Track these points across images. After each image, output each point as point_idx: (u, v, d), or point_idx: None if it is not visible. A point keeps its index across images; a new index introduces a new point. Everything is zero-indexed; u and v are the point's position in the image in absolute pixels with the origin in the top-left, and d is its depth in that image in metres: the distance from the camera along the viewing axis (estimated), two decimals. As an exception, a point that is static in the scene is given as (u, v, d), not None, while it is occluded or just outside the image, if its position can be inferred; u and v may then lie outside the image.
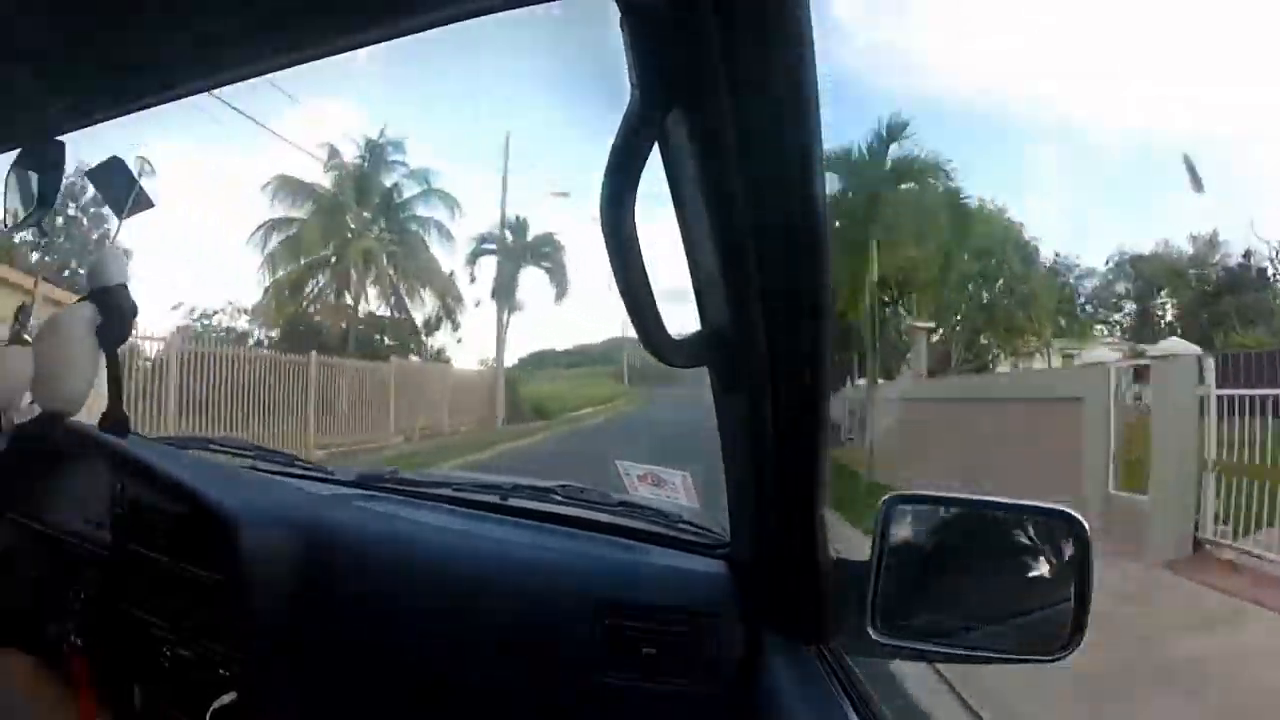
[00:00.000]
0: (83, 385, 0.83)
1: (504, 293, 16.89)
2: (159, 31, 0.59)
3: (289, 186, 14.76)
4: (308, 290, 15.42)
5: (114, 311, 0.83)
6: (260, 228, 14.64)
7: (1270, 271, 15.00)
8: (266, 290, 14.86)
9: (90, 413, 0.87)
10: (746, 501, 0.84)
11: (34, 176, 0.84)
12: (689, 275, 0.66)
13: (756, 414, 0.71)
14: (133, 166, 0.89)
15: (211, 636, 1.05)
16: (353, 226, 15.49)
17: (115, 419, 0.82)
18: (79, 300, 0.84)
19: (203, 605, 1.06)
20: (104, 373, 0.83)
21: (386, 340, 15.81)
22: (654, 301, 0.57)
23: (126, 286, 0.84)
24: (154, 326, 9.21)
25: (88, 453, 1.20)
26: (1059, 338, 14.73)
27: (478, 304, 16.76)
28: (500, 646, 0.95)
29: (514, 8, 0.52)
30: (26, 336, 0.86)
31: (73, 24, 0.58)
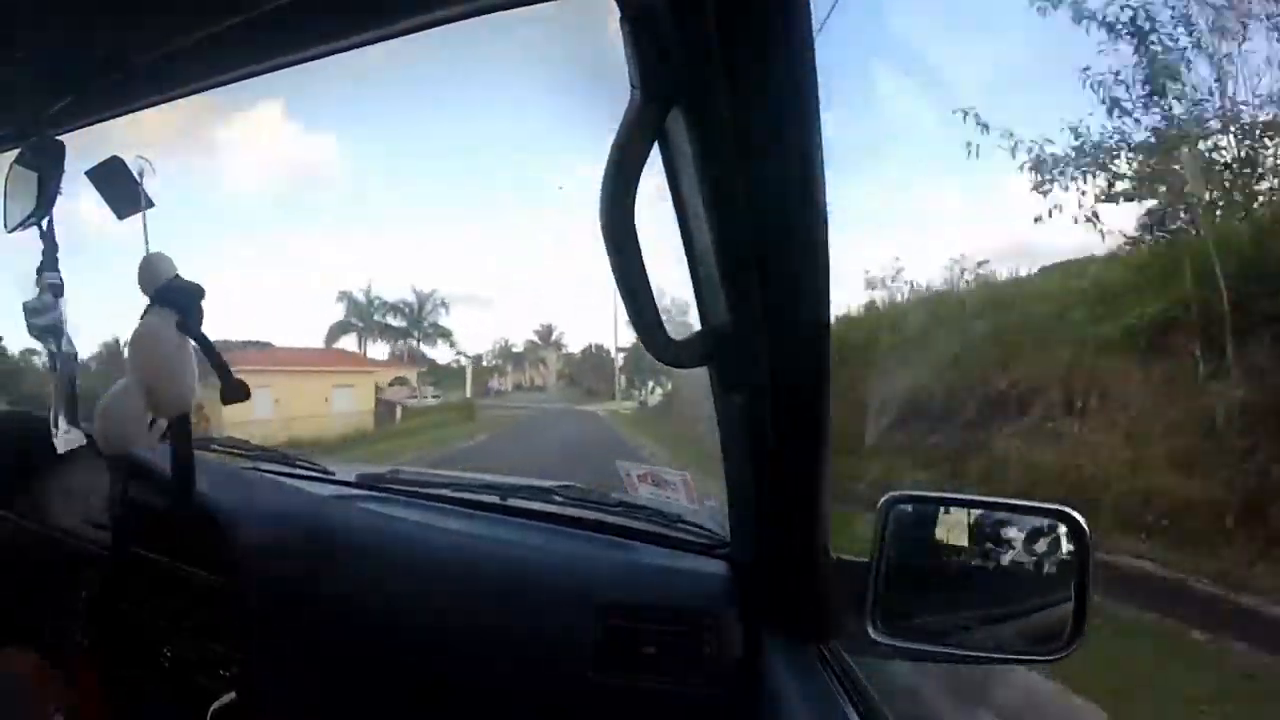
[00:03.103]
0: (186, 384, 0.83)
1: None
2: (159, 31, 0.59)
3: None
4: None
5: (182, 303, 0.83)
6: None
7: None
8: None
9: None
10: (746, 501, 0.84)
11: (34, 176, 0.84)
12: (689, 275, 0.66)
13: (756, 414, 0.71)
14: (132, 166, 0.89)
15: (211, 636, 1.05)
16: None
17: (231, 388, 0.82)
18: (145, 313, 0.84)
19: (203, 605, 1.06)
20: (198, 359, 0.84)
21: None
22: (654, 301, 0.57)
23: (179, 276, 0.84)
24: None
25: (88, 453, 1.20)
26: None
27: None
28: (500, 646, 0.95)
29: (513, 7, 0.52)
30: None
31: (73, 23, 0.59)
